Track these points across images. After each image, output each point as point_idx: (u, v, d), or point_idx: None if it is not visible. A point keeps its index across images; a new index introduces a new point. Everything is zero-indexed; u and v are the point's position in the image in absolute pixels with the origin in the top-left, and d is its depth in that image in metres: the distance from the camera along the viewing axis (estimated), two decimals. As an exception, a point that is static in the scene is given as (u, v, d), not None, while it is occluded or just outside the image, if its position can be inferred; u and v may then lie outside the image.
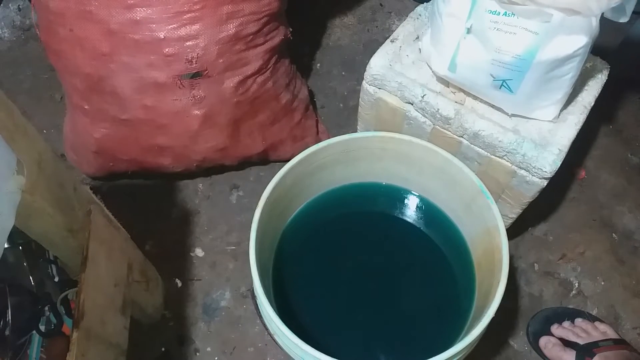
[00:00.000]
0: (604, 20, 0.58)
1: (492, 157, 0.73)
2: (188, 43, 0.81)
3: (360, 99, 0.83)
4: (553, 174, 0.69)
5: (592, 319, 0.88)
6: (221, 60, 0.84)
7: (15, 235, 0.60)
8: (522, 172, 0.71)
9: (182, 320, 0.92)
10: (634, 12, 0.58)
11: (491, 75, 0.65)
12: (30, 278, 0.63)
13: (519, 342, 0.90)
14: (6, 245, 0.60)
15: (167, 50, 0.81)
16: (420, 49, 0.77)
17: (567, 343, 0.84)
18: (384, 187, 0.86)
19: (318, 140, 0.94)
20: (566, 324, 0.87)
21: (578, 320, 0.87)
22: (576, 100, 0.73)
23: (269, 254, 0.79)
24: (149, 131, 0.91)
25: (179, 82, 0.84)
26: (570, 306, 0.93)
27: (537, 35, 0.59)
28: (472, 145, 0.74)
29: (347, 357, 0.71)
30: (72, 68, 0.86)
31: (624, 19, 0.58)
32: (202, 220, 1.04)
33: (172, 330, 0.91)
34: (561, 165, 0.69)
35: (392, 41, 0.79)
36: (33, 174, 0.49)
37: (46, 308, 0.62)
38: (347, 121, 1.15)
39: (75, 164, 1.04)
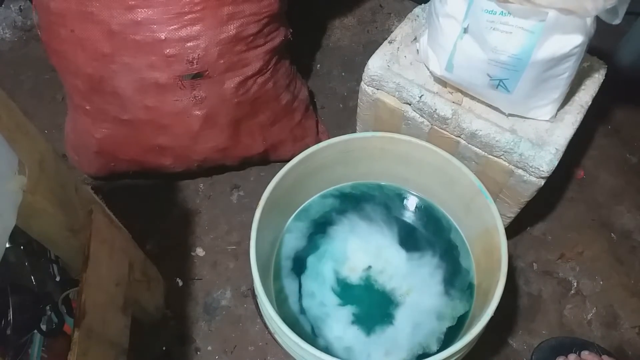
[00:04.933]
0: (601, 20, 0.59)
1: (490, 156, 0.73)
2: (189, 44, 0.82)
3: (359, 100, 0.84)
4: (550, 173, 0.69)
5: (600, 351, 0.83)
6: (222, 61, 0.85)
7: (17, 235, 0.60)
8: (520, 171, 0.71)
9: (183, 320, 0.93)
10: (631, 13, 0.58)
11: (488, 74, 0.65)
12: (32, 277, 0.63)
13: (517, 341, 0.90)
14: (8, 245, 0.60)
15: (168, 51, 0.82)
16: (417, 50, 0.78)
17: None
18: (383, 187, 0.87)
19: (318, 141, 0.95)
20: (572, 357, 0.81)
21: (584, 353, 0.80)
22: (573, 99, 0.73)
23: (270, 253, 0.79)
24: (150, 131, 0.91)
25: (179, 82, 0.85)
26: (580, 337, 0.90)
27: (532, 34, 0.59)
28: (469, 145, 0.74)
29: (346, 356, 0.72)
30: (73, 69, 0.87)
31: (616, 22, 0.58)
32: (203, 219, 1.04)
33: (173, 330, 0.92)
34: (559, 165, 0.69)
35: (390, 42, 0.80)
36: (34, 174, 0.50)
37: (47, 307, 0.63)
38: (346, 121, 1.16)
39: (76, 164, 1.05)
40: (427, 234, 0.82)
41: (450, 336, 0.73)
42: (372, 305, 0.76)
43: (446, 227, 0.83)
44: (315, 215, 0.84)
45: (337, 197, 0.86)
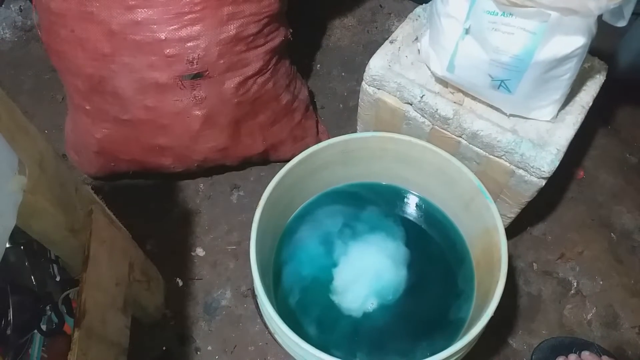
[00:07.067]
0: (602, 21, 0.58)
1: (491, 156, 0.73)
2: (189, 44, 0.82)
3: (359, 100, 0.84)
4: (551, 173, 0.69)
5: (600, 351, 0.83)
6: (222, 61, 0.85)
7: (17, 235, 0.60)
8: (521, 171, 0.71)
9: (183, 320, 0.93)
10: (632, 13, 0.58)
11: (489, 75, 0.65)
12: (32, 277, 0.63)
13: (517, 341, 0.90)
14: (8, 245, 0.60)
15: (168, 51, 0.82)
16: (419, 50, 0.78)
17: None
18: (383, 187, 0.87)
19: (318, 141, 0.95)
20: (572, 357, 0.80)
21: (585, 354, 0.79)
22: (574, 100, 0.73)
23: (270, 253, 0.79)
24: (150, 131, 0.91)
25: (180, 82, 0.85)
26: (580, 337, 0.90)
27: (534, 35, 0.59)
28: (470, 145, 0.74)
29: (346, 355, 0.72)
30: (73, 69, 0.87)
31: (622, 23, 0.58)
32: (203, 219, 1.04)
33: (173, 329, 0.92)
34: (559, 165, 0.69)
35: (391, 42, 0.80)
36: (34, 174, 0.50)
37: (47, 307, 0.63)
38: (347, 121, 1.16)
39: (76, 164, 1.04)
40: (427, 234, 0.82)
41: (449, 335, 0.73)
42: (373, 303, 0.76)
43: (446, 227, 0.82)
44: (314, 216, 0.84)
45: (336, 197, 0.86)
